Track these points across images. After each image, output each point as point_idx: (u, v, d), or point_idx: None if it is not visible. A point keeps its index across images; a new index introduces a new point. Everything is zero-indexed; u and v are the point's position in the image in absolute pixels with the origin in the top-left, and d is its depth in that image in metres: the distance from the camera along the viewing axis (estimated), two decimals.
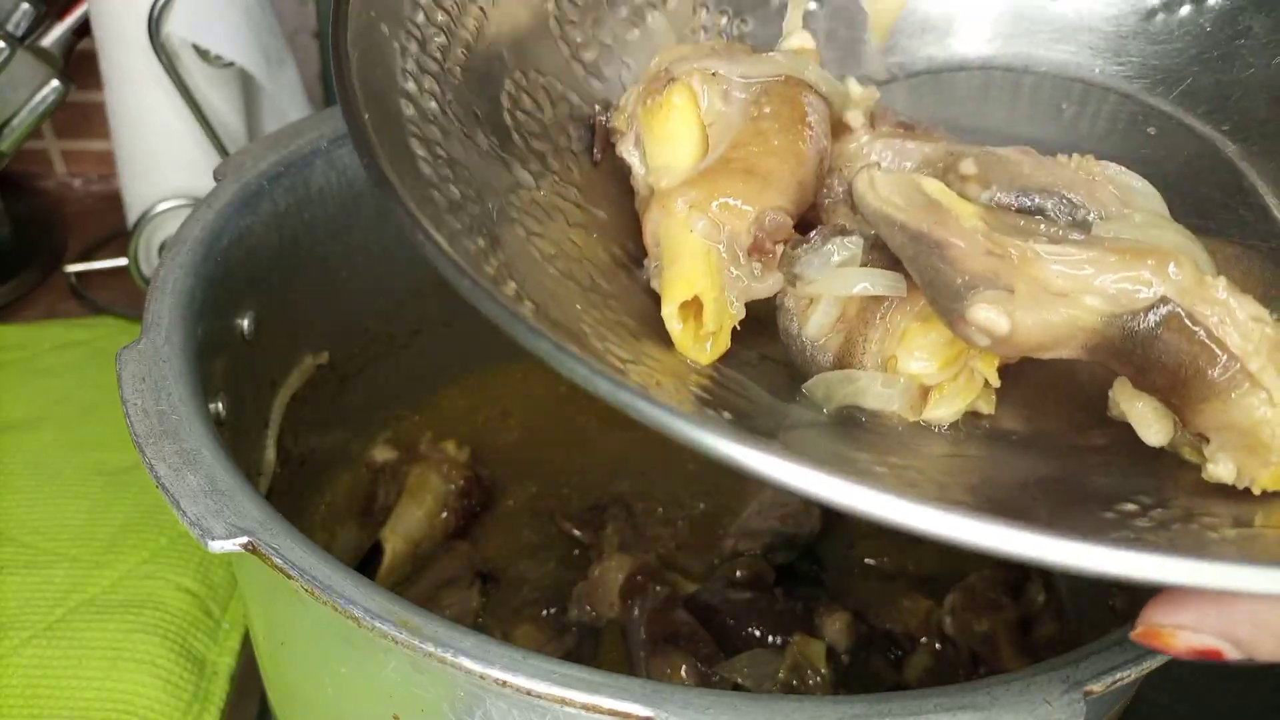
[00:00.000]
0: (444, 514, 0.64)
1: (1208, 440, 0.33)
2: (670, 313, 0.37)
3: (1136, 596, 0.31)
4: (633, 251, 0.41)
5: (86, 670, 0.58)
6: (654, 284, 0.39)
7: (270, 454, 0.58)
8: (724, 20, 0.48)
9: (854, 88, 0.42)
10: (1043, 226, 0.34)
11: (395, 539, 0.62)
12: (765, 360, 0.39)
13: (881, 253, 0.36)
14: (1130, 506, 0.32)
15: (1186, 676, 0.30)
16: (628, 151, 0.42)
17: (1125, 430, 0.35)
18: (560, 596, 0.59)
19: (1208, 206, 0.43)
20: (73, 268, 0.90)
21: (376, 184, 0.32)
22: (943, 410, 0.36)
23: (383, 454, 0.67)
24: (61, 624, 0.60)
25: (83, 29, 0.81)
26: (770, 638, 0.54)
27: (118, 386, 0.43)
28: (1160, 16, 0.47)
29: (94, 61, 0.81)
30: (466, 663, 0.34)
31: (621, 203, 0.42)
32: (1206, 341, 0.31)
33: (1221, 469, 0.32)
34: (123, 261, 0.85)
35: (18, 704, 0.57)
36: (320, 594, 0.36)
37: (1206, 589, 0.25)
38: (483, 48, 0.41)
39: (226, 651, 0.61)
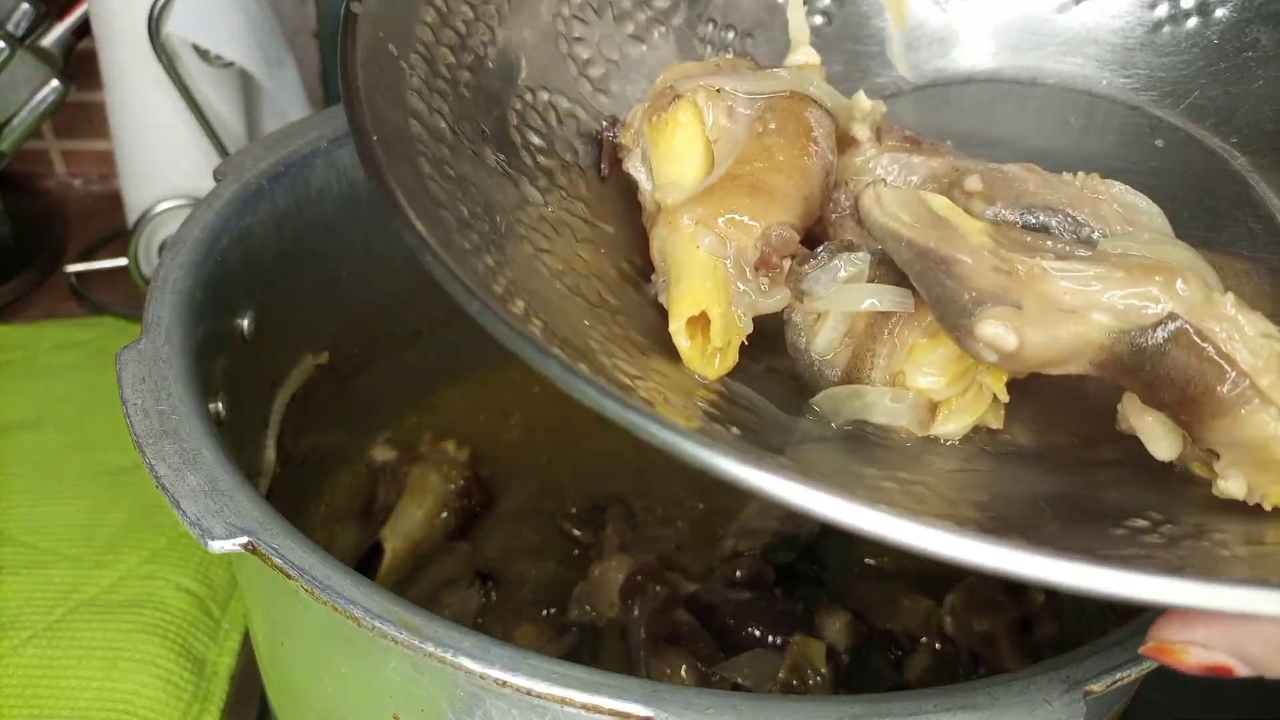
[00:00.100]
0: (444, 514, 0.64)
1: (1218, 456, 0.32)
2: (678, 328, 0.37)
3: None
4: (640, 266, 0.41)
5: (86, 670, 0.58)
6: (661, 299, 0.39)
7: (270, 454, 0.58)
8: (729, 36, 0.48)
9: (862, 100, 0.42)
10: (1049, 243, 0.34)
11: (395, 539, 0.62)
12: (773, 373, 0.39)
13: (888, 268, 0.36)
14: (1140, 522, 0.31)
15: (1187, 676, 0.30)
16: (634, 167, 0.42)
17: (1134, 445, 0.35)
18: (560, 596, 0.59)
19: (1216, 219, 0.43)
20: (73, 268, 0.90)
21: (385, 206, 0.32)
22: (951, 425, 0.36)
23: (383, 454, 0.67)
24: (61, 624, 0.60)
25: (83, 29, 0.81)
26: (770, 638, 0.54)
27: (118, 386, 0.43)
28: (1167, 29, 0.47)
29: (94, 61, 0.81)
30: (466, 663, 0.34)
31: (628, 218, 0.43)
32: (1215, 358, 0.31)
33: (1232, 485, 0.32)
34: (123, 261, 0.85)
35: (18, 704, 0.57)
36: (320, 594, 0.36)
37: (1220, 612, 0.25)
38: (490, 66, 0.41)
39: (226, 651, 0.61)
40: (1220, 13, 0.47)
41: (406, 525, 0.62)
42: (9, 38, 0.78)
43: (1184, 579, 0.25)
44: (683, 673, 0.52)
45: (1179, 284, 0.32)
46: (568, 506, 0.66)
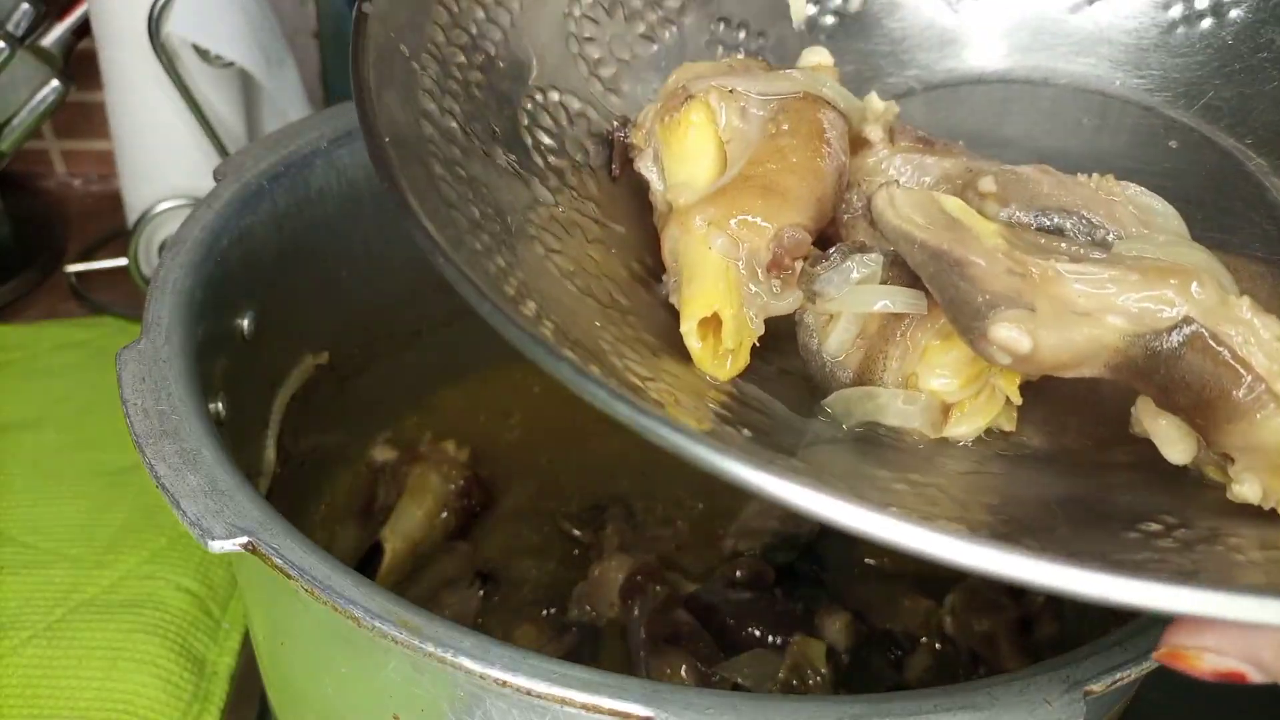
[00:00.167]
0: (444, 514, 0.64)
1: (1233, 460, 0.32)
2: (689, 330, 0.37)
3: None
4: (651, 266, 0.41)
5: (86, 670, 0.58)
6: (672, 300, 0.39)
7: (270, 454, 0.58)
8: (741, 35, 0.48)
9: (875, 101, 0.42)
10: (1063, 245, 0.34)
11: (395, 539, 0.62)
12: (784, 374, 0.39)
13: (901, 269, 0.36)
14: (1154, 526, 0.31)
15: (1187, 677, 0.30)
16: (646, 168, 0.42)
17: (1148, 448, 0.35)
18: (560, 596, 0.59)
19: (1230, 220, 0.43)
20: (73, 268, 0.90)
21: (397, 207, 0.32)
22: (964, 427, 0.36)
23: (383, 454, 0.67)
24: (61, 624, 0.60)
25: (83, 29, 0.81)
26: (770, 638, 0.54)
27: (118, 386, 0.43)
28: (1181, 29, 0.47)
29: (94, 61, 0.81)
30: (466, 663, 0.34)
31: (639, 218, 0.42)
32: (1231, 362, 0.31)
33: (1247, 489, 0.32)
34: (123, 261, 0.85)
35: (18, 704, 0.57)
36: (320, 594, 0.36)
37: (1237, 622, 0.25)
38: (501, 65, 0.41)
39: (226, 651, 0.61)
40: (1235, 14, 0.46)
41: (406, 525, 0.62)
42: (9, 37, 0.78)
43: (1197, 588, 0.24)
44: (683, 673, 0.52)
45: (1194, 287, 0.31)
46: (568, 506, 0.66)
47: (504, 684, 0.34)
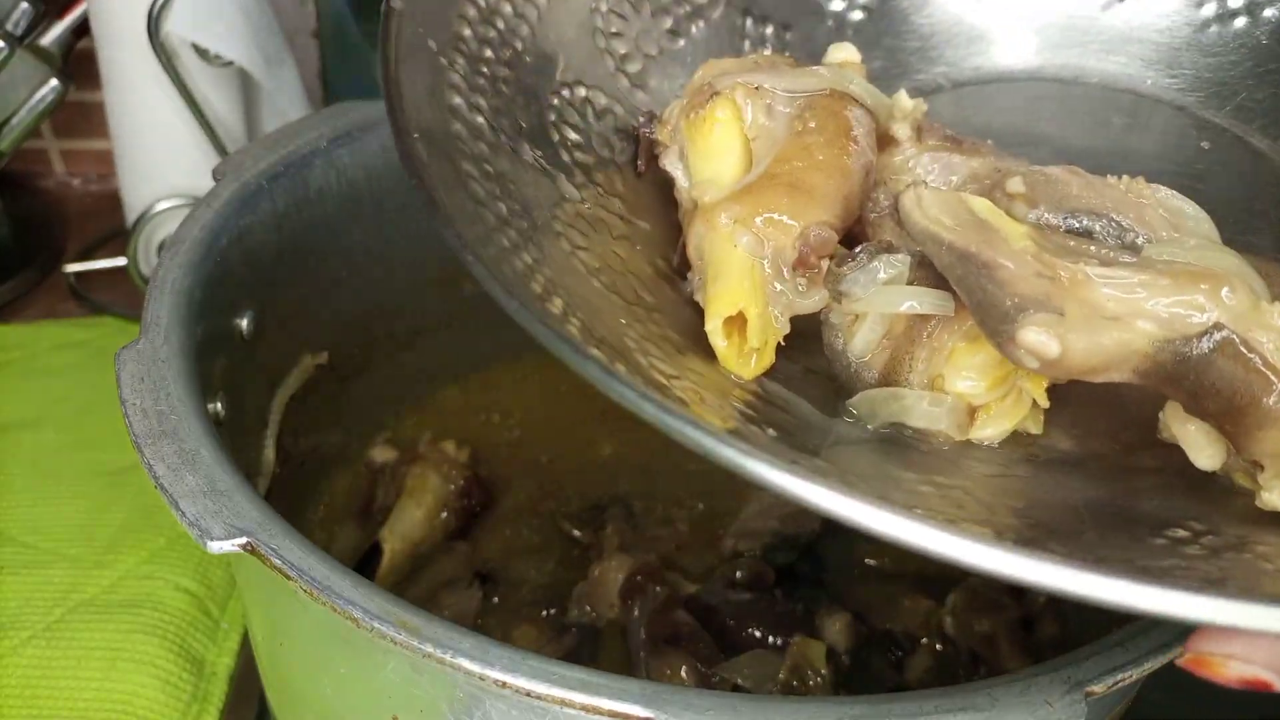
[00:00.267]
0: (444, 514, 0.63)
1: (1262, 468, 0.32)
2: (714, 328, 0.36)
3: None
4: (676, 264, 0.41)
5: (86, 670, 0.58)
6: (697, 297, 0.38)
7: (269, 454, 0.58)
8: (768, 30, 0.48)
9: (903, 99, 0.41)
10: (1093, 248, 0.34)
11: (394, 539, 0.61)
12: (809, 374, 0.38)
13: (928, 270, 0.35)
14: (1181, 533, 0.31)
15: (1188, 677, 0.30)
16: (671, 164, 0.41)
17: (1176, 453, 0.34)
18: (560, 596, 0.59)
19: (1263, 224, 0.42)
20: (72, 267, 0.90)
21: (425, 205, 0.32)
22: (990, 430, 0.36)
23: (382, 454, 0.67)
24: (61, 624, 0.60)
25: (82, 28, 0.81)
26: (770, 638, 0.54)
27: (117, 386, 0.43)
28: (1214, 29, 0.47)
29: (93, 61, 0.81)
30: (466, 663, 0.34)
31: (665, 214, 0.42)
32: (1262, 369, 0.30)
33: (1276, 497, 0.32)
34: (122, 261, 0.85)
35: (17, 704, 0.57)
36: (319, 594, 0.36)
37: (1265, 632, 0.25)
38: (528, 61, 0.41)
39: (225, 652, 0.61)
40: (1269, 12, 0.46)
41: (406, 525, 0.62)
42: (8, 37, 0.78)
43: (1224, 596, 0.24)
44: (683, 673, 0.52)
45: (1225, 292, 0.31)
46: (568, 506, 0.65)
47: (503, 685, 0.34)
